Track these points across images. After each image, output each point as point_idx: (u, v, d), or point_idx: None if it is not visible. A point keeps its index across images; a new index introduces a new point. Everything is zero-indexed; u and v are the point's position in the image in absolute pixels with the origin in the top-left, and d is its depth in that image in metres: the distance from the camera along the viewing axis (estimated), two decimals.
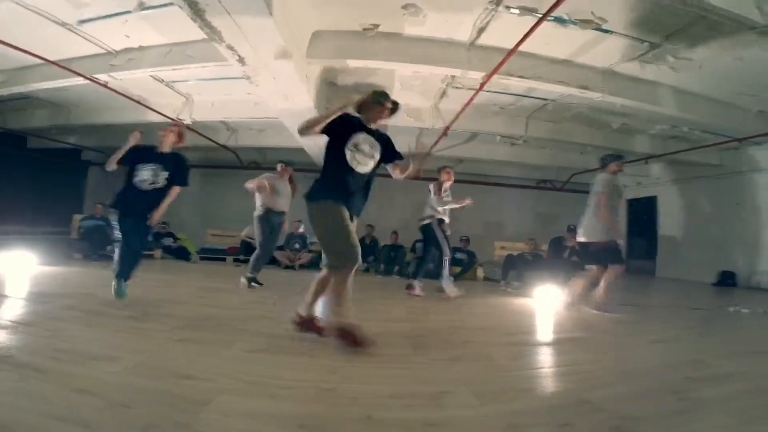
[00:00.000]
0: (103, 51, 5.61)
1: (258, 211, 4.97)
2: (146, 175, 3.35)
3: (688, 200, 9.13)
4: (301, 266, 7.77)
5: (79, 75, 5.67)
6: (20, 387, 1.61)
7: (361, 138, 2.52)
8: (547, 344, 3.09)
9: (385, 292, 5.62)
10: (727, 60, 4.83)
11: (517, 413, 1.71)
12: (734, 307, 4.79)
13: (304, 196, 2.52)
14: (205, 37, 4.71)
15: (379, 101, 2.58)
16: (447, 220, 5.00)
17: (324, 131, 2.48)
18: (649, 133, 7.71)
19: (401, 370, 2.20)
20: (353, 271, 2.43)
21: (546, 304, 4.69)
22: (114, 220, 3.43)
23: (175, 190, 3.48)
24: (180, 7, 3.52)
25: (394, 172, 2.78)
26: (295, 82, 4.96)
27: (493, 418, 1.65)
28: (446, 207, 4.97)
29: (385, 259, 8.15)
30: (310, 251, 8.08)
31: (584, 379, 2.16)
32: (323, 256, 2.58)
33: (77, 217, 8.17)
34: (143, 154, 3.43)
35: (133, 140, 3.41)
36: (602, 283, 4.02)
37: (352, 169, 2.48)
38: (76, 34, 5.14)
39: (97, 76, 5.77)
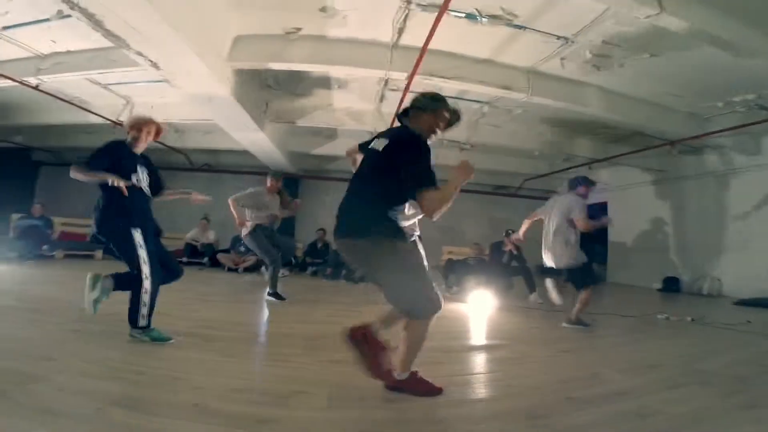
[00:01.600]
0: (32, 55, 5.62)
1: (246, 230, 4.61)
2: (141, 177, 2.75)
3: (635, 206, 9.26)
4: (245, 269, 7.67)
5: (8, 78, 5.65)
6: None
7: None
8: (447, 351, 2.85)
9: (321, 295, 5.56)
10: (644, 57, 4.93)
11: (362, 421, 1.65)
12: (662, 314, 4.74)
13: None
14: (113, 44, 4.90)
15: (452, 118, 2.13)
16: None
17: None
18: (589, 136, 7.83)
19: (274, 369, 2.23)
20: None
21: (477, 308, 4.68)
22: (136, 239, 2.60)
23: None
24: (78, 18, 3.59)
25: None
26: (215, 85, 4.98)
27: (332, 423, 1.61)
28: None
29: (333, 263, 8.09)
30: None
31: (454, 393, 2.00)
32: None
33: (14, 216, 7.96)
34: (126, 157, 2.72)
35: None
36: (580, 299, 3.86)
37: None
38: (2, 39, 5.17)
39: (26, 79, 5.75)
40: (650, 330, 4.15)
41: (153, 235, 2.72)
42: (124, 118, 7.08)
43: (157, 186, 2.91)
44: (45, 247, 7.35)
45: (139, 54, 4.21)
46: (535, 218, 4.23)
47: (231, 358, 2.23)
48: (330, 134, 8.59)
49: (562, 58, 5.10)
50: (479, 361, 2.79)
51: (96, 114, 7.03)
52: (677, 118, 6.44)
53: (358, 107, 7.02)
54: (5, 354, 2.05)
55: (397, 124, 2.13)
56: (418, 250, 1.97)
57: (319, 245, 8.77)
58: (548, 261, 4.00)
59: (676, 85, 5.60)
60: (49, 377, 1.79)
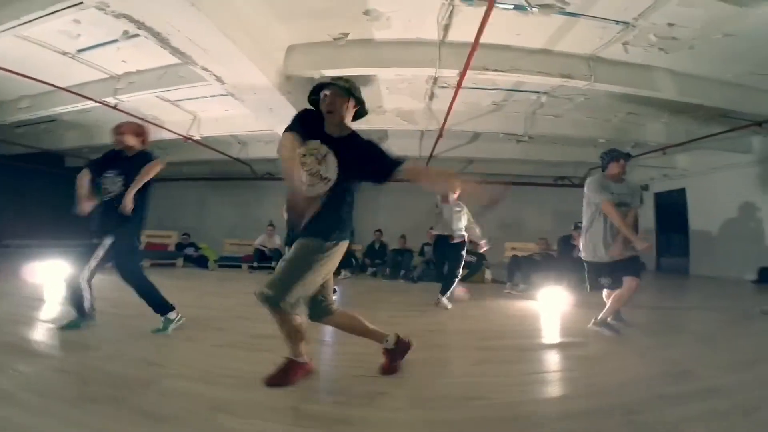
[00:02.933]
0: (107, 75, 6.04)
1: None
2: (107, 185, 2.93)
3: (720, 191, 8.38)
4: None
5: (90, 99, 6.12)
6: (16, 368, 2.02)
7: (311, 147, 1.95)
8: (523, 350, 2.83)
9: (382, 295, 5.63)
10: (717, 37, 4.48)
11: (443, 423, 1.66)
12: (765, 308, 4.19)
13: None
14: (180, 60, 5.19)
15: (320, 89, 2.00)
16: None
17: None
18: (661, 121, 7.22)
19: (353, 370, 2.27)
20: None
21: (548, 306, 4.50)
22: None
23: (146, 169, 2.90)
24: (146, 37, 3.82)
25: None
26: (276, 96, 5.19)
27: (413, 425, 1.64)
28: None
29: (391, 263, 8.14)
30: None
31: (540, 392, 2.04)
32: None
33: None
34: (107, 162, 3.00)
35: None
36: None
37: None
38: (79, 61, 5.56)
39: (106, 99, 6.17)
40: (750, 325, 3.77)
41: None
42: (194, 132, 7.63)
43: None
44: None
45: (205, 69, 4.48)
46: None
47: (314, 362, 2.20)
48: (381, 136, 8.63)
49: (624, 43, 4.74)
50: (559, 359, 2.69)
51: (169, 130, 7.51)
52: (764, 98, 5.75)
53: (408, 107, 6.98)
54: (114, 359, 2.23)
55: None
56: None
57: (377, 246, 8.87)
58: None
59: (760, 64, 5.02)
60: (155, 381, 1.93)
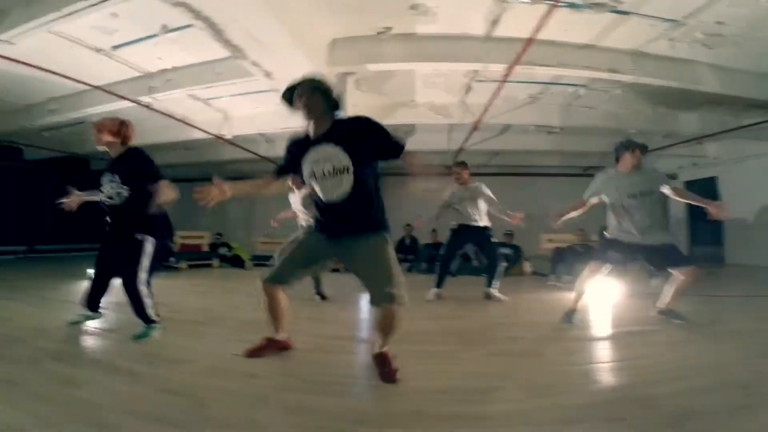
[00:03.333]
0: (140, 74, 5.93)
1: None
2: (107, 189, 2.76)
3: (754, 179, 8.29)
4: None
5: (124, 98, 5.99)
6: (113, 388, 1.89)
7: (310, 159, 2.01)
8: (603, 339, 2.93)
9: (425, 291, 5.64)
10: (763, 34, 4.50)
11: (565, 408, 1.72)
12: None
13: None
14: (229, 54, 5.07)
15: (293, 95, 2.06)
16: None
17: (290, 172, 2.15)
18: (696, 113, 7.16)
19: (455, 366, 2.29)
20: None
21: (599, 297, 4.50)
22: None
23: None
24: (201, 29, 3.70)
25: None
26: None
27: (540, 412, 1.68)
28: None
29: (425, 258, 8.16)
30: None
31: (643, 374, 2.10)
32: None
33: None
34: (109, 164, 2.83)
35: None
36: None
37: (326, 203, 2.03)
38: (113, 59, 5.43)
39: (140, 98, 6.06)
40: None
41: (109, 241, 2.84)
42: (225, 131, 7.64)
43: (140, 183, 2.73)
44: (172, 259, 8.02)
45: (255, 64, 4.37)
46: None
47: (404, 361, 2.16)
48: (408, 130, 8.60)
49: (670, 39, 4.76)
50: (639, 345, 2.71)
51: (200, 129, 7.51)
52: None
53: (442, 100, 6.96)
54: (215, 373, 2.11)
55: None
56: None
57: (407, 241, 8.88)
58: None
59: None
60: (267, 396, 1.82)
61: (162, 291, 3.31)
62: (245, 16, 3.51)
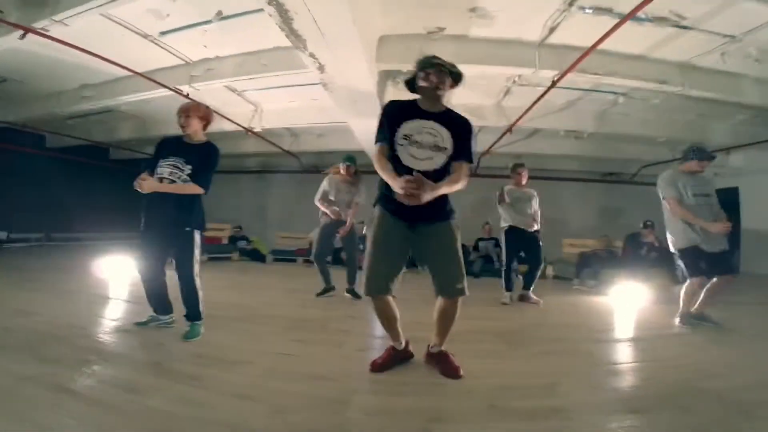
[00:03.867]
0: (182, 62, 5.81)
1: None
2: (166, 173, 2.72)
3: None
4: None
5: (165, 87, 5.85)
6: (184, 395, 1.81)
7: (414, 126, 2.05)
8: (641, 340, 3.12)
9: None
10: None
11: (631, 400, 1.86)
12: None
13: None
14: (277, 45, 5.12)
15: (422, 68, 2.11)
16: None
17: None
18: (729, 123, 7.25)
19: (502, 365, 2.41)
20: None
21: (626, 302, 4.61)
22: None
23: (191, 187, 2.72)
24: (270, 15, 3.55)
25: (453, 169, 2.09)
26: (367, 87, 5.11)
27: (609, 405, 1.81)
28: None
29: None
30: None
31: (693, 371, 2.27)
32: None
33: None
34: (168, 147, 2.84)
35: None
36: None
37: (407, 168, 2.01)
38: (157, 45, 5.30)
39: (180, 87, 5.92)
40: None
41: (153, 230, 2.75)
42: (255, 124, 7.59)
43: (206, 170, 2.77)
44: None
45: (312, 56, 4.25)
46: None
47: (465, 359, 2.28)
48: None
49: (722, 54, 4.81)
50: (677, 345, 2.95)
51: (232, 121, 7.45)
52: None
53: (477, 102, 6.95)
54: (280, 376, 2.10)
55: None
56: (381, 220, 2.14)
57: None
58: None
59: None
60: (349, 400, 1.82)
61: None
62: (317, 4, 3.38)
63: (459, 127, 2.09)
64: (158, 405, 1.68)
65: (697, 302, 3.49)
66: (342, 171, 4.67)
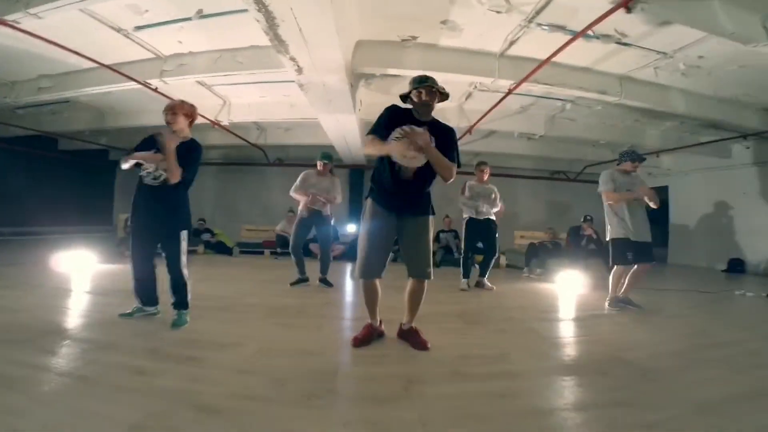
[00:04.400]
0: (152, 56, 5.77)
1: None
2: (150, 167, 2.87)
3: (698, 190, 9.54)
4: (334, 257, 8.23)
5: (134, 80, 5.79)
6: (189, 374, 2.00)
7: (403, 130, 2.38)
8: (578, 319, 3.72)
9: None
10: (733, 68, 5.32)
11: (565, 366, 2.37)
12: (739, 291, 5.39)
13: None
14: (254, 44, 5.27)
15: (415, 87, 2.46)
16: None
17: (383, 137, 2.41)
18: (660, 129, 8.14)
19: (462, 339, 2.88)
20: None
21: (569, 288, 5.22)
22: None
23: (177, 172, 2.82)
24: (257, 20, 3.69)
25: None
26: (341, 89, 5.38)
27: (550, 369, 2.30)
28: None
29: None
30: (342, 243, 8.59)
31: (614, 344, 2.82)
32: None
33: (122, 216, 8.62)
34: (153, 144, 2.90)
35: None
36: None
37: (397, 164, 2.38)
38: (130, 39, 5.25)
39: (149, 81, 5.92)
40: (732, 303, 4.92)
41: (143, 229, 2.93)
42: (223, 118, 7.63)
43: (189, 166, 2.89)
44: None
45: (293, 59, 4.42)
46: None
47: (431, 335, 2.66)
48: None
49: (656, 68, 5.51)
50: (605, 324, 3.53)
51: (200, 115, 7.38)
52: (751, 113, 6.80)
53: (441, 104, 7.33)
54: (272, 353, 2.38)
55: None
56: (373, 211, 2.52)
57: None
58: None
59: (757, 87, 5.93)
60: (336, 370, 2.17)
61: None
62: (304, 13, 3.56)
63: (444, 134, 2.49)
64: (169, 384, 1.86)
65: (623, 288, 4.11)
66: (319, 167, 4.96)
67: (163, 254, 2.97)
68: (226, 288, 4.76)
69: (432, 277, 2.50)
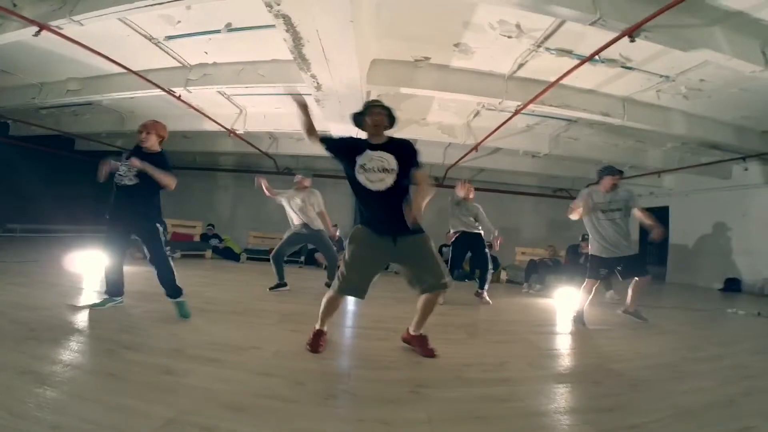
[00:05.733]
0: (178, 65, 6.04)
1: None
2: (122, 171, 3.22)
3: (698, 211, 9.71)
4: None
5: (159, 87, 6.00)
6: (214, 375, 2.13)
7: (366, 157, 2.51)
8: (573, 333, 3.86)
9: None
10: (733, 91, 5.51)
11: (560, 375, 2.55)
12: (732, 309, 5.57)
13: None
14: (275, 58, 5.50)
15: (365, 110, 2.62)
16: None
17: (337, 158, 2.60)
18: (662, 149, 8.35)
19: (464, 349, 3.06)
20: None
21: (566, 303, 5.36)
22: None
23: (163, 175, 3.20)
24: (284, 39, 3.97)
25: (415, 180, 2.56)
26: (357, 104, 5.53)
27: (545, 377, 2.48)
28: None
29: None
30: None
31: (607, 356, 3.03)
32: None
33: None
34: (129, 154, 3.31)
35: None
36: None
37: (369, 191, 2.49)
38: (159, 47, 5.52)
39: (173, 89, 6.14)
40: (724, 320, 5.08)
41: (121, 226, 3.25)
42: (239, 126, 7.87)
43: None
44: (167, 248, 8.04)
45: (314, 76, 4.67)
46: None
47: (435, 345, 2.78)
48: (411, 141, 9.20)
49: (658, 91, 5.74)
50: (600, 338, 3.69)
51: (214, 121, 7.69)
52: (751, 136, 7.00)
53: (449, 121, 7.64)
54: (288, 356, 2.50)
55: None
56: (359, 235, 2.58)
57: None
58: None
59: (757, 110, 6.13)
60: (350, 374, 2.33)
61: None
62: (329, 33, 3.83)
63: (401, 149, 2.55)
64: (196, 383, 1.97)
65: (628, 301, 4.32)
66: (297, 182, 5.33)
67: (146, 249, 3.28)
68: (236, 293, 4.93)
69: (451, 285, 2.59)
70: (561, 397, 2.18)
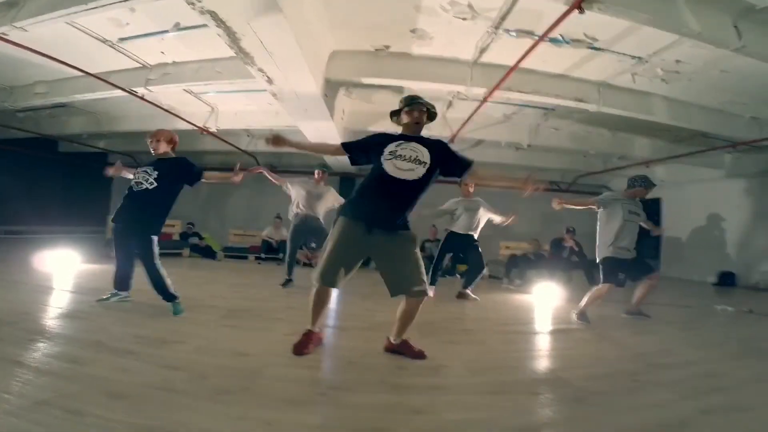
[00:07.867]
0: (139, 65, 6.06)
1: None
2: (139, 177, 3.37)
3: (692, 202, 9.40)
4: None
5: (118, 88, 6.05)
6: (118, 365, 2.10)
7: (399, 145, 2.42)
8: (538, 333, 3.61)
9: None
10: (714, 73, 5.20)
11: (499, 383, 2.24)
12: (720, 306, 5.22)
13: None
14: (233, 55, 5.20)
15: (407, 105, 2.56)
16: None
17: (363, 155, 2.55)
18: (650, 137, 8.04)
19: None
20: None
21: (543, 299, 5.14)
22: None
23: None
24: (219, 35, 3.92)
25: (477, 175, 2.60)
26: (316, 99, 5.45)
27: (480, 386, 2.19)
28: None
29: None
30: None
31: (563, 361, 2.73)
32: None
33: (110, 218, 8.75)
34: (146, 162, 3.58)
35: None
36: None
37: (390, 178, 2.34)
38: (116, 49, 5.55)
39: (134, 89, 6.16)
40: (711, 318, 4.74)
41: (124, 228, 3.40)
42: (211, 125, 7.76)
43: (174, 180, 3.44)
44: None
45: (261, 70, 4.58)
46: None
47: (372, 343, 2.74)
48: None
49: (633, 74, 5.44)
50: (565, 339, 3.41)
51: (186, 121, 7.62)
52: (740, 123, 6.61)
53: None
54: (206, 351, 2.44)
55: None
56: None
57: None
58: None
59: (742, 94, 5.79)
60: (261, 371, 2.19)
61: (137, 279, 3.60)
62: (263, 28, 3.73)
63: (436, 145, 2.48)
64: (94, 372, 1.96)
65: (635, 300, 4.27)
66: (315, 176, 5.34)
67: (138, 257, 3.39)
68: (198, 290, 4.78)
69: (428, 294, 2.44)
70: (484, 410, 1.89)
